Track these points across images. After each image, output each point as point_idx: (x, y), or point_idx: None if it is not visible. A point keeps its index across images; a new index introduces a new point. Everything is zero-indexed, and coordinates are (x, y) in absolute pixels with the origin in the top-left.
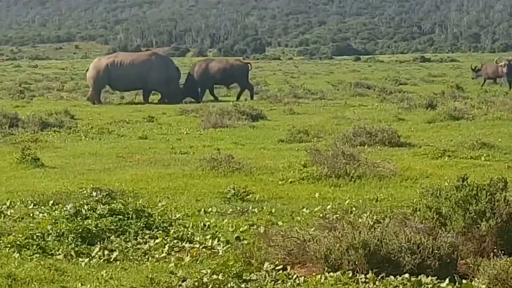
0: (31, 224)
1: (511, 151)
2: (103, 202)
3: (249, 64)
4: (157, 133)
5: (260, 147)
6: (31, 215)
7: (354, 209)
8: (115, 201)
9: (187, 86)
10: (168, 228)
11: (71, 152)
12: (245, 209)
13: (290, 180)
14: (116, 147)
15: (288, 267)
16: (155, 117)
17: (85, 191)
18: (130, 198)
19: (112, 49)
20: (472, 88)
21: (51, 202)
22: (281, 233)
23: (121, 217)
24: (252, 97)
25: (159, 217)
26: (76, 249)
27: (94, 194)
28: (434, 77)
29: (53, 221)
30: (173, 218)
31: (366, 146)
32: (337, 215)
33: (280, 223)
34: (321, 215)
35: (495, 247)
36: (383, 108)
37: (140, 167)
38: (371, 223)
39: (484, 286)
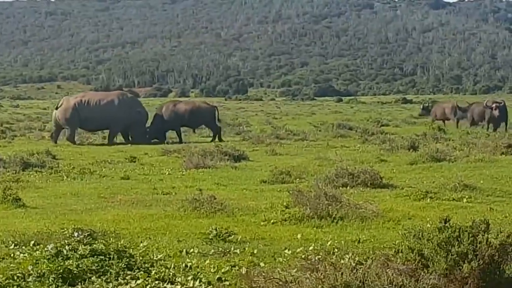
0: (11, 265)
1: (493, 193)
2: (85, 242)
3: (215, 107)
4: (139, 173)
5: (242, 187)
6: (11, 255)
7: (336, 250)
8: (96, 242)
9: (154, 127)
10: (150, 268)
11: (53, 192)
12: (227, 250)
13: (272, 221)
14: (98, 188)
15: None
16: (137, 158)
17: (66, 232)
18: (111, 239)
19: (94, 89)
20: (454, 130)
21: (32, 242)
22: (263, 274)
23: (102, 257)
24: (214, 139)
25: (141, 258)
26: None
27: (76, 234)
28: (416, 118)
29: (34, 261)
30: (154, 258)
31: (348, 187)
32: (319, 257)
33: (262, 264)
34: (303, 256)
35: None
36: (365, 149)
37: (122, 207)
38: (353, 264)
39: None
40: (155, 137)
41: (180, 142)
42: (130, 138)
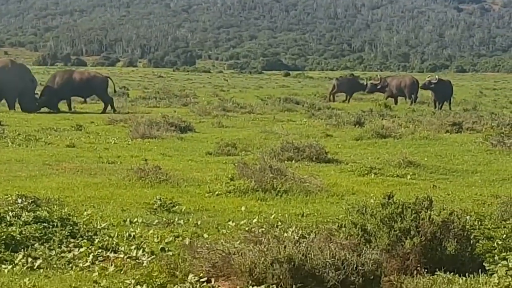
0: None
1: (436, 171)
2: (28, 209)
3: (108, 77)
4: (85, 141)
5: (188, 159)
6: None
7: (280, 223)
8: (40, 209)
9: (45, 96)
10: (93, 237)
11: None
12: (171, 221)
13: (216, 192)
14: (43, 155)
15: (213, 280)
16: (83, 126)
17: (10, 198)
18: (55, 206)
19: (42, 56)
20: (400, 107)
21: None
22: (206, 245)
23: (46, 224)
24: (104, 110)
25: (84, 226)
26: (0, 255)
27: (19, 201)
28: (362, 95)
29: None
30: (98, 227)
31: (293, 161)
32: (263, 229)
33: (205, 235)
34: (246, 228)
35: (419, 265)
36: (311, 124)
37: (66, 175)
38: (297, 238)
39: None
40: (46, 106)
41: (70, 110)
42: (10, 105)
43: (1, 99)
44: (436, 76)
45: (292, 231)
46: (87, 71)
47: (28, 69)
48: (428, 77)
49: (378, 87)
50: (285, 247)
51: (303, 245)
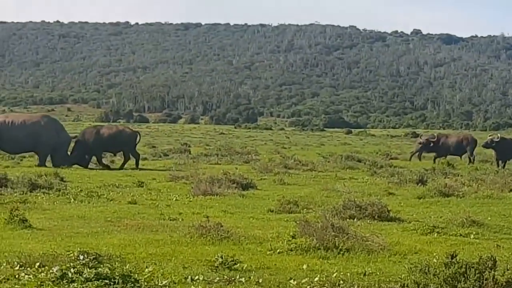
0: (16, 286)
1: (500, 230)
2: (90, 266)
3: (138, 133)
4: (147, 198)
5: (249, 216)
6: (16, 276)
7: (341, 282)
8: (102, 265)
9: (76, 152)
10: None
11: (60, 214)
12: (232, 279)
13: (278, 250)
14: (105, 211)
15: None
16: (145, 183)
17: (72, 254)
18: (117, 263)
19: (104, 113)
20: (463, 166)
21: (38, 264)
22: None
23: (107, 281)
24: (137, 166)
25: (146, 283)
26: None
27: (81, 257)
28: (426, 153)
29: (39, 283)
30: (159, 284)
31: (355, 220)
32: None
33: None
34: (308, 287)
35: None
36: (373, 181)
37: (128, 232)
38: None
39: None
40: (77, 162)
41: (101, 166)
42: (51, 161)
43: (38, 153)
44: (498, 135)
45: None
46: (116, 126)
47: (61, 125)
48: (490, 136)
49: (432, 144)
50: None
51: None
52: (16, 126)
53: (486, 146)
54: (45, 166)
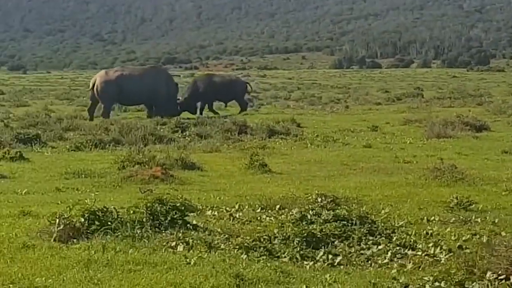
0: (258, 227)
1: None
2: (328, 208)
3: (247, 83)
4: (381, 142)
5: (484, 157)
6: (258, 218)
7: None
8: (339, 207)
9: (188, 99)
10: (391, 235)
11: (297, 159)
12: (468, 219)
13: None
14: (341, 155)
15: (511, 277)
16: (379, 127)
17: (310, 197)
18: (353, 205)
19: (338, 60)
20: None
21: (278, 206)
22: (504, 243)
23: (345, 223)
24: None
25: (382, 224)
26: (301, 252)
27: (319, 200)
28: None
29: (280, 224)
30: (396, 225)
31: None
32: None
33: (503, 233)
34: None
35: None
36: None
37: (364, 174)
38: None
39: None
40: (187, 109)
41: (215, 114)
42: (156, 111)
43: (147, 105)
44: None
45: None
46: (228, 75)
47: (170, 74)
48: None
49: None
50: None
51: None
52: (134, 79)
53: None
54: (162, 117)
